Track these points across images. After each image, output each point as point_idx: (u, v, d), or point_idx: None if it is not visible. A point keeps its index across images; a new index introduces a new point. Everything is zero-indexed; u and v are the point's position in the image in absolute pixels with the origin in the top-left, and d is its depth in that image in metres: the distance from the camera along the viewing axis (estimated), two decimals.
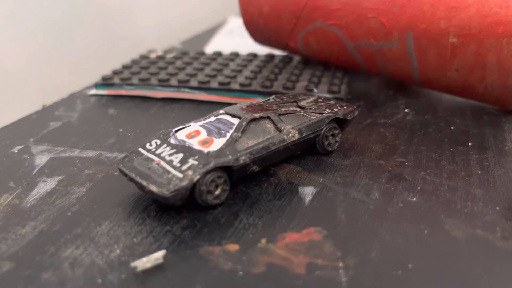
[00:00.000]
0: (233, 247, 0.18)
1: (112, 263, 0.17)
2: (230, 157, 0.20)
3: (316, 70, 0.37)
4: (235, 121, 0.22)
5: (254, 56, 0.41)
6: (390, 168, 0.24)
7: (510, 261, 0.17)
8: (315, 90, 0.33)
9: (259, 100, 0.27)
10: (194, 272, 0.16)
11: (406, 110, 0.32)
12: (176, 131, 0.22)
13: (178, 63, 0.38)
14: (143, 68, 0.37)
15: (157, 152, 0.21)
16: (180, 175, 0.19)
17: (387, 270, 0.16)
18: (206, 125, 0.22)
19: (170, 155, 0.20)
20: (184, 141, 0.21)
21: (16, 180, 0.23)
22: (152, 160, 0.20)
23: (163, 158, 0.20)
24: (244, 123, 0.21)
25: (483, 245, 0.18)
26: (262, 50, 0.47)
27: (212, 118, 0.23)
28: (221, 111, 0.23)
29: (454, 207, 0.20)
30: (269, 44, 0.39)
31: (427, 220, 0.19)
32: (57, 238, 0.18)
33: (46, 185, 0.22)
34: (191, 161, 0.20)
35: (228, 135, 0.21)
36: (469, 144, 0.26)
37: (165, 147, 0.21)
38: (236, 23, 0.60)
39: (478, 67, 0.28)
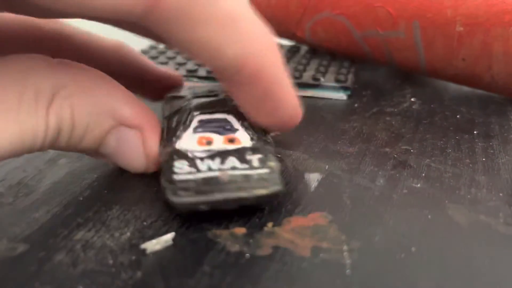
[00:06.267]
0: (240, 230, 0.18)
1: (122, 245, 0.17)
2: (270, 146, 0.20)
3: (323, 59, 0.37)
4: (228, 117, 0.21)
5: None
6: (395, 156, 0.24)
7: None
8: (322, 79, 0.33)
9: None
10: (202, 253, 0.17)
11: (412, 99, 0.32)
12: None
13: None
14: (152, 58, 0.38)
15: (204, 168, 0.18)
16: (265, 170, 0.18)
17: (390, 253, 0.17)
18: (204, 129, 0.20)
19: (222, 163, 0.19)
20: (215, 149, 0.19)
21: (30, 166, 0.23)
22: (214, 177, 0.18)
23: (221, 170, 0.18)
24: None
25: (485, 231, 0.18)
26: None
27: (194, 124, 0.21)
28: (197, 116, 0.21)
29: (458, 193, 0.20)
30: (276, 33, 0.39)
31: (431, 205, 0.20)
32: (69, 222, 0.19)
33: (59, 171, 0.23)
34: (254, 156, 0.19)
35: (240, 128, 0.20)
36: (475, 132, 0.27)
37: (206, 162, 0.19)
38: None
39: (485, 56, 0.29)
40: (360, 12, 0.32)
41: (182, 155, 0.19)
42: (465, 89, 0.34)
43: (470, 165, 0.23)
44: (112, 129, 0.19)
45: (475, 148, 0.25)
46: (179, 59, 0.36)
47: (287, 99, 0.19)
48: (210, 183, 0.18)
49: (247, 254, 0.17)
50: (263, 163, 0.19)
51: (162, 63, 0.36)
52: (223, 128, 0.20)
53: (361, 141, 0.26)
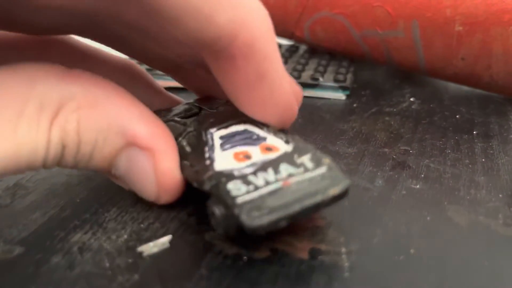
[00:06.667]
0: None
1: (119, 247, 0.17)
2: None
3: (322, 59, 0.37)
4: (247, 127, 0.19)
5: None
6: (394, 156, 0.24)
7: (511, 247, 0.17)
8: (320, 79, 0.33)
9: None
10: (200, 256, 0.17)
11: (411, 99, 0.32)
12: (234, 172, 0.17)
13: None
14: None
15: (262, 183, 0.16)
16: (323, 168, 0.17)
17: (389, 255, 0.17)
18: (235, 144, 0.19)
19: (276, 173, 0.17)
20: (260, 161, 0.17)
21: None
22: (278, 189, 0.16)
23: (283, 179, 0.16)
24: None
25: (485, 232, 0.18)
26: None
27: (217, 141, 0.19)
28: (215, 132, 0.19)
29: (457, 194, 0.20)
30: (275, 33, 0.39)
31: (430, 207, 0.20)
32: (66, 224, 0.19)
33: (56, 173, 0.22)
34: (304, 158, 0.17)
35: (266, 135, 0.19)
36: (474, 132, 0.27)
37: (260, 176, 0.16)
38: None
39: (484, 55, 0.28)
40: (359, 12, 0.32)
41: (230, 175, 0.16)
42: (465, 88, 0.34)
43: (470, 165, 0.23)
44: (123, 149, 0.17)
45: (474, 148, 0.25)
46: None
47: (283, 82, 0.18)
48: (278, 197, 0.16)
49: (245, 257, 0.17)
50: (316, 162, 0.17)
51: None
52: (251, 139, 0.19)
53: (360, 142, 0.25)
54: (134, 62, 0.23)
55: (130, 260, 0.17)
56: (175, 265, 0.16)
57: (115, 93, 0.17)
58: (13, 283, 0.16)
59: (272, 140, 0.18)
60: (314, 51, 0.40)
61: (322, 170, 0.17)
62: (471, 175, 0.22)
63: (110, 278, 0.16)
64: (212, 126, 0.19)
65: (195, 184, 0.17)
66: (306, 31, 0.36)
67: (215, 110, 0.22)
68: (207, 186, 0.17)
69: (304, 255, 0.17)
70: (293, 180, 0.16)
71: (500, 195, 0.20)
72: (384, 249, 0.17)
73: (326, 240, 0.17)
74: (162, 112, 0.22)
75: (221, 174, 0.17)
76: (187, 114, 0.22)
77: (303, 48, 0.41)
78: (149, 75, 0.23)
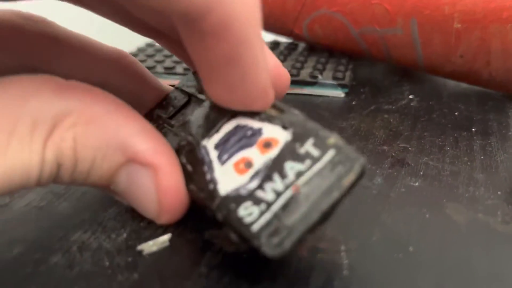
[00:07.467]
0: None
1: (119, 246, 0.17)
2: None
3: (321, 57, 0.37)
4: (238, 121, 0.17)
5: None
6: (393, 154, 0.24)
7: (510, 245, 0.17)
8: (319, 76, 0.33)
9: None
10: (199, 254, 0.17)
11: (410, 96, 0.32)
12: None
13: None
14: (149, 56, 0.37)
15: (272, 197, 0.15)
16: (331, 151, 0.15)
17: (388, 253, 0.17)
18: (231, 148, 0.17)
19: (283, 177, 0.15)
20: (262, 167, 0.16)
21: None
22: (289, 198, 0.15)
23: (292, 183, 0.15)
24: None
25: (483, 229, 0.18)
26: (267, 37, 0.47)
27: (214, 154, 0.17)
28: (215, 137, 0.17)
29: (456, 192, 0.20)
30: (274, 31, 0.39)
31: (429, 204, 0.20)
32: (65, 223, 0.19)
33: None
34: (307, 145, 0.15)
35: (260, 124, 0.17)
36: (473, 129, 0.27)
37: (268, 188, 0.15)
38: None
39: (483, 52, 0.28)
40: (357, 9, 0.32)
41: (238, 198, 0.15)
42: (463, 86, 0.34)
43: (468, 163, 0.23)
44: (122, 165, 0.16)
45: (473, 145, 0.25)
46: (168, 62, 0.36)
47: (259, 72, 0.16)
48: (293, 209, 0.14)
49: (244, 255, 0.17)
50: (322, 145, 0.15)
51: (159, 61, 0.36)
52: (246, 137, 0.17)
53: (359, 139, 0.25)
54: (126, 52, 0.23)
55: (129, 259, 0.17)
56: (175, 264, 0.16)
57: (114, 107, 0.16)
58: (12, 282, 0.16)
59: (269, 130, 0.16)
60: (313, 48, 0.40)
61: (330, 155, 0.15)
62: (470, 172, 0.22)
63: (109, 277, 0.16)
64: (203, 134, 0.18)
65: (208, 212, 0.16)
66: (305, 29, 0.36)
67: (203, 98, 0.20)
68: (219, 217, 0.15)
69: (303, 253, 0.17)
70: (302, 180, 0.15)
71: (499, 193, 0.20)
72: (383, 247, 0.17)
73: (325, 238, 0.18)
74: (154, 112, 0.21)
75: (228, 199, 0.15)
76: (178, 105, 0.20)
77: (302, 45, 0.41)
78: (141, 66, 0.22)
